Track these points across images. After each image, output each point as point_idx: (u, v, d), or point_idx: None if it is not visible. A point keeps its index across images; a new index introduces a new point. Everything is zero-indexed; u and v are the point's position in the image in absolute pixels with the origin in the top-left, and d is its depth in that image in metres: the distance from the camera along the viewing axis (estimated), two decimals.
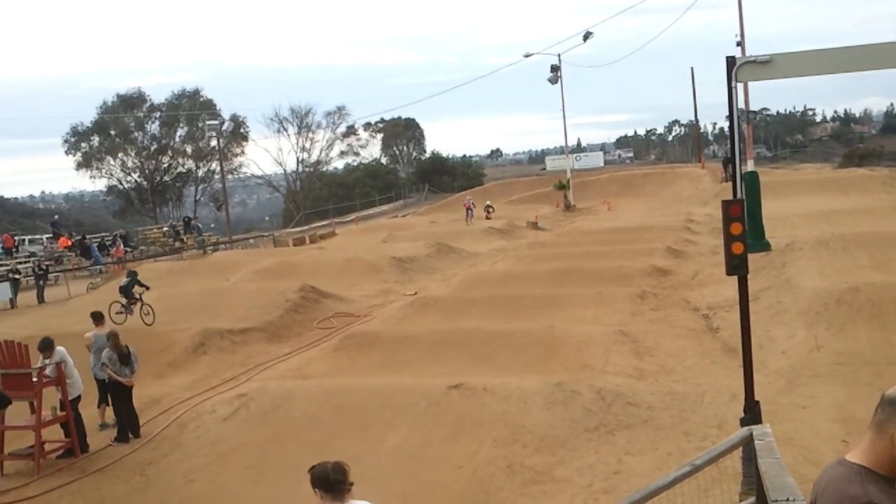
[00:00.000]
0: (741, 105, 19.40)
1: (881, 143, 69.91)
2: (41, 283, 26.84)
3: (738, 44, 23.84)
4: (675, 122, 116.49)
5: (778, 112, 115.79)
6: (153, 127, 60.33)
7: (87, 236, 37.70)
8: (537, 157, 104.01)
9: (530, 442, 9.25)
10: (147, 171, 59.83)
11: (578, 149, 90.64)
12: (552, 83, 43.04)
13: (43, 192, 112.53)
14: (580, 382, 10.51)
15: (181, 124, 60.48)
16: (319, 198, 64.38)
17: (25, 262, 32.50)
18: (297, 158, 66.53)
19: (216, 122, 49.97)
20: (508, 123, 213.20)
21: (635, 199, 42.58)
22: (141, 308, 17.05)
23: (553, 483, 8.40)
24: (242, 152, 63.44)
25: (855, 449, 2.36)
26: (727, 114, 8.10)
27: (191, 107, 59.15)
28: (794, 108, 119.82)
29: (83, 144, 58.26)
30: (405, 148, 79.33)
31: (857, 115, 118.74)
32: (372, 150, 75.18)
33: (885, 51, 8.13)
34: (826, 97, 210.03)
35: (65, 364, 10.67)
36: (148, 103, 59.61)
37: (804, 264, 15.06)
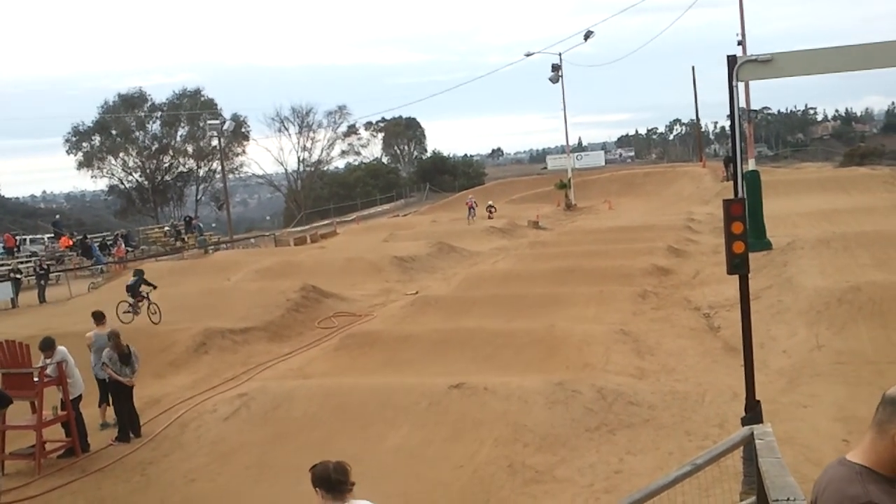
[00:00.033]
0: (742, 104, 19.37)
1: (882, 142, 69.87)
2: (42, 282, 26.85)
3: (739, 43, 23.80)
4: (677, 121, 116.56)
5: (779, 111, 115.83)
6: (154, 126, 60.37)
7: (89, 236, 37.71)
8: (538, 157, 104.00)
9: (531, 441, 9.24)
10: (148, 171, 59.83)
11: (579, 148, 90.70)
12: (553, 82, 43.02)
13: (44, 192, 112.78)
14: (581, 382, 10.50)
15: (182, 124, 60.46)
16: (320, 197, 64.38)
17: (27, 262, 32.52)
18: (298, 158, 66.59)
19: (217, 121, 49.97)
20: (509, 123, 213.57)
21: (636, 198, 42.54)
22: (148, 307, 17.17)
23: (554, 482, 8.40)
24: (243, 152, 63.52)
25: (856, 448, 2.36)
26: (728, 113, 8.08)
27: (192, 106, 59.15)
28: (796, 106, 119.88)
29: (84, 144, 58.26)
30: (406, 147, 79.31)
31: (859, 113, 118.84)
32: (373, 149, 75.31)
33: (886, 50, 8.11)
34: (827, 96, 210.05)
35: (66, 363, 10.67)
36: (149, 103, 59.62)
37: (805, 263, 15.05)
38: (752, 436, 5.30)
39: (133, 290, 17.27)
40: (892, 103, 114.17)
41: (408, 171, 75.00)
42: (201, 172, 62.08)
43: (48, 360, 10.60)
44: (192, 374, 14.13)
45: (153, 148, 59.92)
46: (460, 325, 14.46)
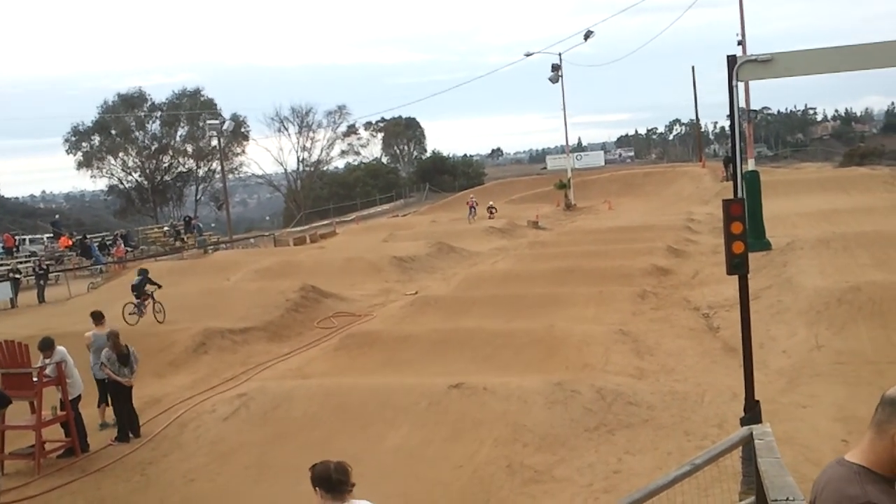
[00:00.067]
0: (742, 104, 19.38)
1: (882, 142, 69.87)
2: (42, 282, 26.86)
3: (739, 43, 23.81)
4: (676, 121, 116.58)
5: (779, 111, 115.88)
6: (154, 126, 60.38)
7: (88, 236, 37.71)
8: (538, 157, 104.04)
9: (531, 441, 9.24)
10: (148, 171, 59.83)
11: (579, 148, 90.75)
12: (553, 82, 43.02)
13: (43, 192, 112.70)
14: (581, 382, 10.50)
15: (182, 124, 60.46)
16: (320, 197, 64.39)
17: (26, 262, 32.53)
18: (298, 158, 66.64)
19: (217, 121, 49.97)
20: (509, 123, 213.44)
21: (636, 198, 42.56)
22: (153, 306, 17.28)
23: (553, 482, 8.40)
24: (243, 152, 63.56)
25: (854, 449, 2.36)
26: (728, 113, 8.09)
27: (191, 106, 59.16)
28: (795, 107, 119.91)
29: (84, 144, 58.27)
30: (406, 147, 79.33)
31: (858, 114, 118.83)
32: (373, 149, 75.34)
33: (886, 50, 8.11)
34: (827, 96, 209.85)
35: (65, 364, 10.67)
36: (149, 103, 59.63)
37: (805, 263, 15.05)
38: (751, 436, 5.30)
39: (138, 289, 17.36)
40: (892, 103, 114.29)
41: (407, 171, 75.02)
42: (201, 172, 62.11)
43: (47, 361, 10.60)
44: (192, 374, 14.13)
45: (153, 148, 59.92)
46: (460, 326, 14.46)
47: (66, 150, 57.94)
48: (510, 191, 52.02)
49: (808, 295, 12.70)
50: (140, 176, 60.15)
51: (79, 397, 10.88)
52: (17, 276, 27.72)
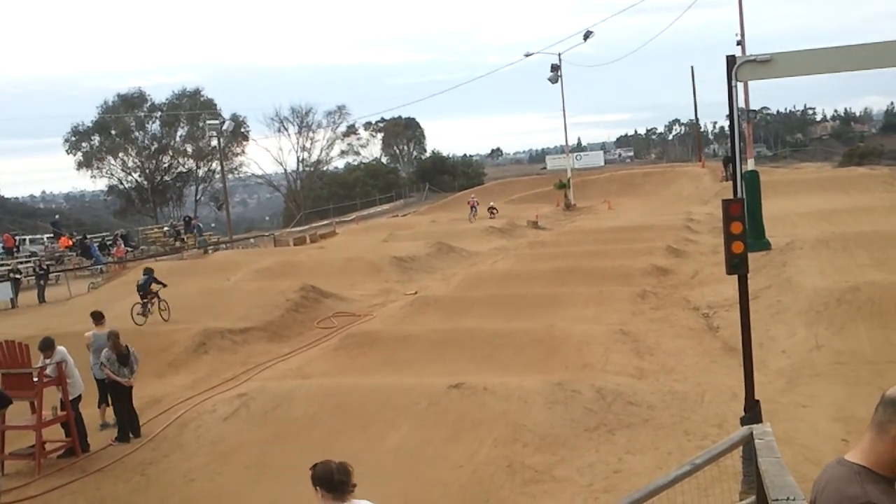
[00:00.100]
0: (741, 104, 19.39)
1: (881, 142, 69.92)
2: (42, 282, 26.85)
3: (739, 43, 23.85)
4: (676, 121, 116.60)
5: (778, 111, 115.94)
6: (154, 127, 60.40)
7: (88, 236, 37.71)
8: (538, 157, 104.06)
9: (531, 441, 9.25)
10: (147, 171, 59.82)
11: (579, 148, 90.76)
12: (552, 82, 43.03)
13: (43, 192, 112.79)
14: (580, 382, 10.51)
15: (182, 124, 60.45)
16: (320, 197, 64.39)
17: (26, 262, 32.51)
18: (298, 158, 66.63)
19: (217, 121, 49.94)
20: (509, 123, 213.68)
21: (636, 198, 42.56)
22: (158, 304, 17.41)
23: (553, 482, 8.41)
24: (243, 152, 63.54)
25: (854, 449, 2.36)
26: (727, 113, 8.09)
27: (191, 106, 59.14)
28: (795, 106, 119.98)
29: (84, 144, 58.27)
30: (406, 147, 79.33)
31: (858, 113, 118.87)
32: (372, 149, 75.34)
33: (886, 50, 8.12)
34: (826, 96, 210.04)
35: (65, 364, 10.67)
36: (148, 103, 59.63)
37: (804, 263, 15.05)
38: (751, 435, 5.31)
39: (144, 288, 17.46)
40: (892, 103, 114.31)
41: (407, 172, 75.03)
42: (201, 172, 62.11)
43: (48, 361, 10.61)
44: (192, 374, 14.13)
45: (152, 148, 59.92)
46: (459, 326, 14.46)
47: (66, 151, 58.04)
48: (510, 191, 52.02)
49: (808, 295, 12.70)
50: (140, 176, 60.15)
51: (79, 397, 10.88)
52: (18, 276, 27.72)
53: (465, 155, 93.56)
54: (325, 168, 69.93)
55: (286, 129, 65.32)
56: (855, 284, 12.39)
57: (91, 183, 67.04)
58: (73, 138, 57.74)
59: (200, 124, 56.85)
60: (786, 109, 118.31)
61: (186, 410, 11.75)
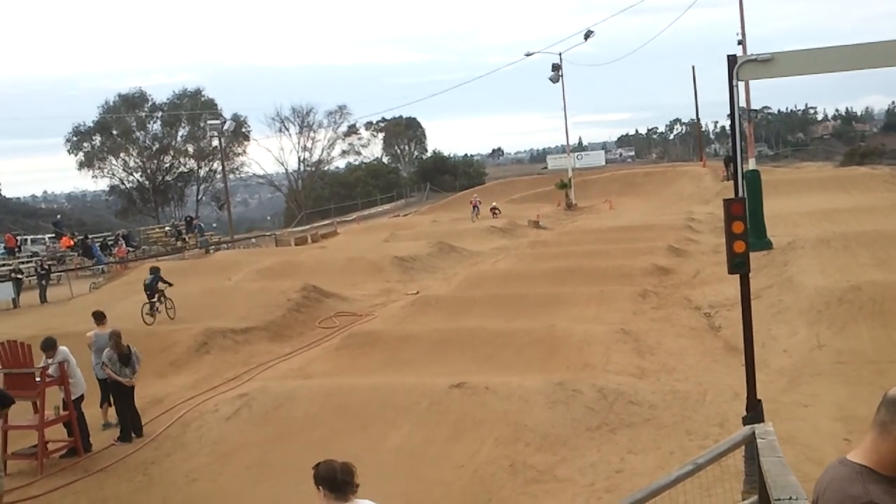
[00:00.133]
0: (742, 103, 19.37)
1: (882, 142, 69.89)
2: (44, 282, 26.86)
3: (740, 42, 23.78)
4: (677, 120, 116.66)
5: (779, 110, 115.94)
6: (155, 127, 60.44)
7: (90, 236, 37.72)
8: (539, 156, 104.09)
9: (532, 441, 9.25)
10: (149, 171, 59.87)
11: (580, 148, 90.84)
12: (553, 82, 43.04)
13: (45, 192, 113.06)
14: (582, 381, 10.51)
15: (183, 124, 60.49)
16: (321, 197, 64.44)
17: (28, 262, 32.53)
18: (299, 158, 66.65)
19: (218, 121, 50.01)
20: (510, 122, 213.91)
21: (637, 197, 42.55)
22: (164, 303, 17.57)
23: (555, 482, 8.41)
24: (244, 152, 63.59)
25: (857, 448, 2.36)
26: (728, 112, 8.08)
27: (192, 106, 59.18)
28: (796, 106, 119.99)
29: (85, 144, 58.33)
30: (407, 147, 79.36)
31: (859, 113, 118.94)
32: (373, 149, 75.41)
33: (887, 49, 8.11)
34: (827, 95, 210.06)
35: (67, 363, 10.68)
36: (150, 103, 59.67)
37: (806, 263, 15.05)
38: (753, 435, 5.31)
39: (151, 288, 17.55)
40: (893, 102, 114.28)
41: (408, 171, 75.06)
42: (202, 172, 62.17)
43: (50, 360, 10.62)
44: (194, 373, 14.15)
45: (154, 148, 59.97)
46: (461, 325, 14.47)
47: (68, 151, 58.10)
48: (511, 190, 52.01)
49: (809, 294, 12.70)
50: (141, 176, 60.20)
51: (81, 397, 10.89)
52: (20, 276, 27.72)
53: (466, 155, 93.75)
54: (326, 168, 70.01)
55: (287, 129, 65.42)
56: (856, 284, 12.38)
57: (92, 183, 67.06)
58: (75, 138, 57.83)
59: (201, 124, 56.95)
60: (787, 109, 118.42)
61: (188, 410, 11.76)
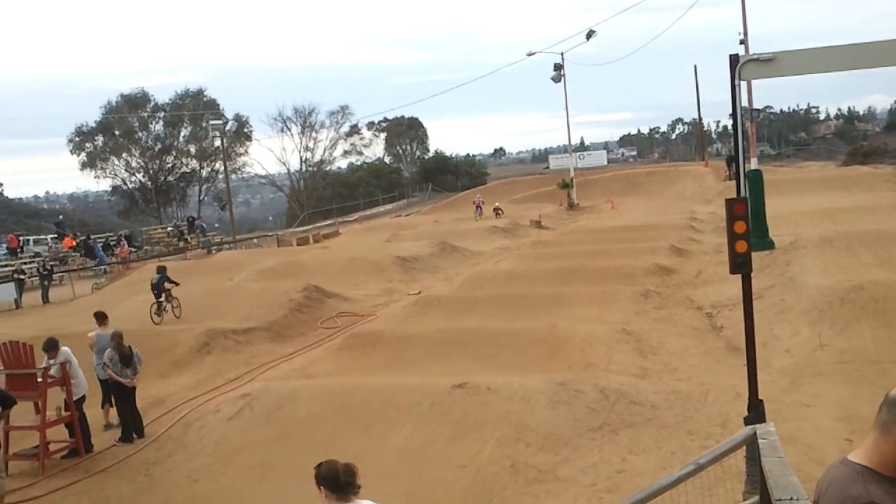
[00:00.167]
0: (744, 103, 19.34)
1: (885, 141, 69.77)
2: (46, 283, 26.89)
3: (742, 41, 23.78)
4: (679, 120, 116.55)
5: (781, 110, 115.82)
6: (157, 127, 60.52)
7: (92, 236, 37.79)
8: (541, 156, 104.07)
9: (534, 441, 9.24)
10: (151, 171, 59.93)
11: (582, 147, 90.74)
12: (555, 82, 43.06)
13: (47, 193, 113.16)
14: (584, 381, 10.50)
15: (185, 124, 60.57)
16: (323, 197, 64.48)
17: (30, 263, 32.57)
18: (301, 158, 66.72)
19: (220, 122, 50.02)
20: (511, 122, 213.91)
21: (639, 197, 42.53)
22: (171, 302, 17.72)
23: (557, 482, 8.40)
24: (246, 152, 63.64)
25: (858, 449, 2.36)
26: (731, 112, 8.07)
27: (194, 107, 59.24)
28: (798, 105, 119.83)
29: (88, 144, 58.42)
30: (408, 147, 79.40)
31: (861, 112, 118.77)
32: (375, 149, 75.51)
33: (889, 48, 8.09)
34: (830, 95, 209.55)
35: (69, 364, 10.69)
36: (152, 103, 59.76)
37: (808, 262, 15.03)
38: (754, 435, 5.30)
39: (158, 287, 17.64)
40: (895, 102, 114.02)
41: (410, 171, 75.08)
42: (204, 173, 62.23)
43: (52, 361, 10.63)
44: (196, 374, 14.15)
45: (156, 148, 60.03)
46: (463, 325, 14.47)
47: (70, 151, 58.21)
48: (513, 190, 52.03)
49: (812, 294, 12.68)
50: (143, 176, 60.27)
51: (83, 398, 10.90)
52: (22, 276, 27.75)
53: (467, 155, 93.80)
54: (328, 168, 70.07)
55: (289, 130, 65.49)
56: (859, 283, 12.37)
57: (95, 183, 67.14)
58: (77, 139, 57.92)
59: (204, 124, 56.98)
60: (789, 108, 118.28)
61: (190, 411, 11.76)
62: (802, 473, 5.33)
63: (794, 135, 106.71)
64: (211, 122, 50.69)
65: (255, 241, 43.48)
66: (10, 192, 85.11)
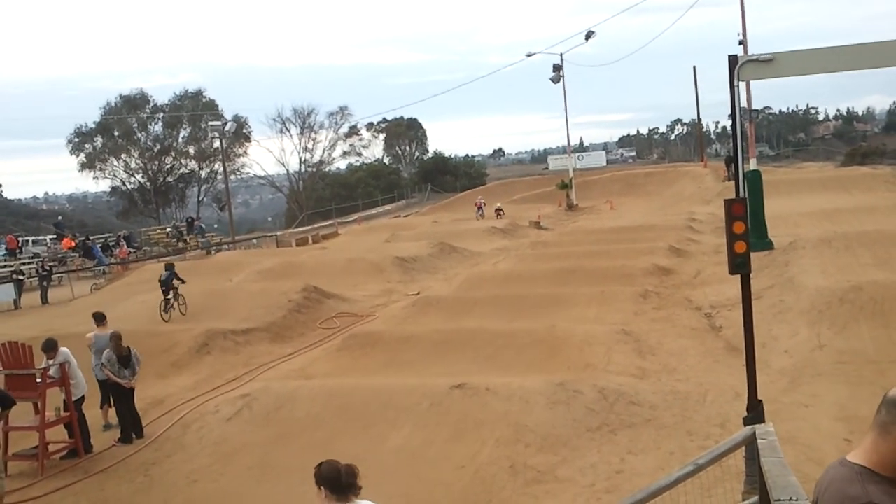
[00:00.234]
0: (743, 104, 19.37)
1: (884, 142, 69.79)
2: (45, 283, 26.88)
3: (741, 42, 23.85)
4: (678, 120, 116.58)
5: (780, 111, 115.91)
6: (156, 128, 60.58)
7: (91, 237, 37.75)
8: (540, 157, 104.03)
9: (533, 441, 9.25)
10: (150, 172, 59.94)
11: (581, 148, 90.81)
12: (554, 82, 43.09)
13: (46, 193, 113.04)
14: (582, 382, 10.50)
15: (184, 125, 60.59)
16: (322, 198, 64.45)
17: (29, 263, 32.54)
18: (300, 159, 66.77)
19: (219, 122, 50.05)
20: (511, 123, 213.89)
21: (638, 198, 42.55)
22: (177, 300, 17.87)
23: (555, 483, 8.40)
24: (245, 153, 63.69)
25: (857, 449, 2.36)
26: (730, 112, 8.07)
27: (193, 107, 59.24)
28: (797, 106, 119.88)
29: (87, 145, 58.41)
30: (407, 148, 79.39)
31: (860, 113, 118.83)
32: (374, 150, 75.51)
33: (888, 49, 8.09)
34: (828, 95, 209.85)
35: (68, 365, 10.69)
36: (151, 104, 59.79)
37: (807, 263, 15.04)
38: (753, 435, 5.30)
39: (167, 284, 17.75)
40: (894, 102, 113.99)
41: (409, 172, 75.07)
42: (203, 173, 62.27)
43: (51, 362, 10.62)
44: (195, 374, 14.15)
45: (155, 149, 60.05)
46: (462, 326, 14.47)
47: (70, 152, 58.24)
48: (512, 191, 52.05)
49: (810, 294, 12.69)
50: (143, 177, 60.29)
51: (82, 398, 10.90)
52: (21, 277, 27.73)
53: (467, 155, 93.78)
54: (327, 169, 70.10)
55: (288, 130, 65.51)
56: (857, 284, 12.38)
57: (94, 184, 67.45)
58: (77, 139, 57.93)
59: (203, 125, 56.99)
60: (788, 109, 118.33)
61: (189, 411, 11.76)
62: (801, 474, 5.34)
63: (792, 135, 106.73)
64: (210, 122, 50.71)
65: (254, 241, 43.47)
66: (10, 193, 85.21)
